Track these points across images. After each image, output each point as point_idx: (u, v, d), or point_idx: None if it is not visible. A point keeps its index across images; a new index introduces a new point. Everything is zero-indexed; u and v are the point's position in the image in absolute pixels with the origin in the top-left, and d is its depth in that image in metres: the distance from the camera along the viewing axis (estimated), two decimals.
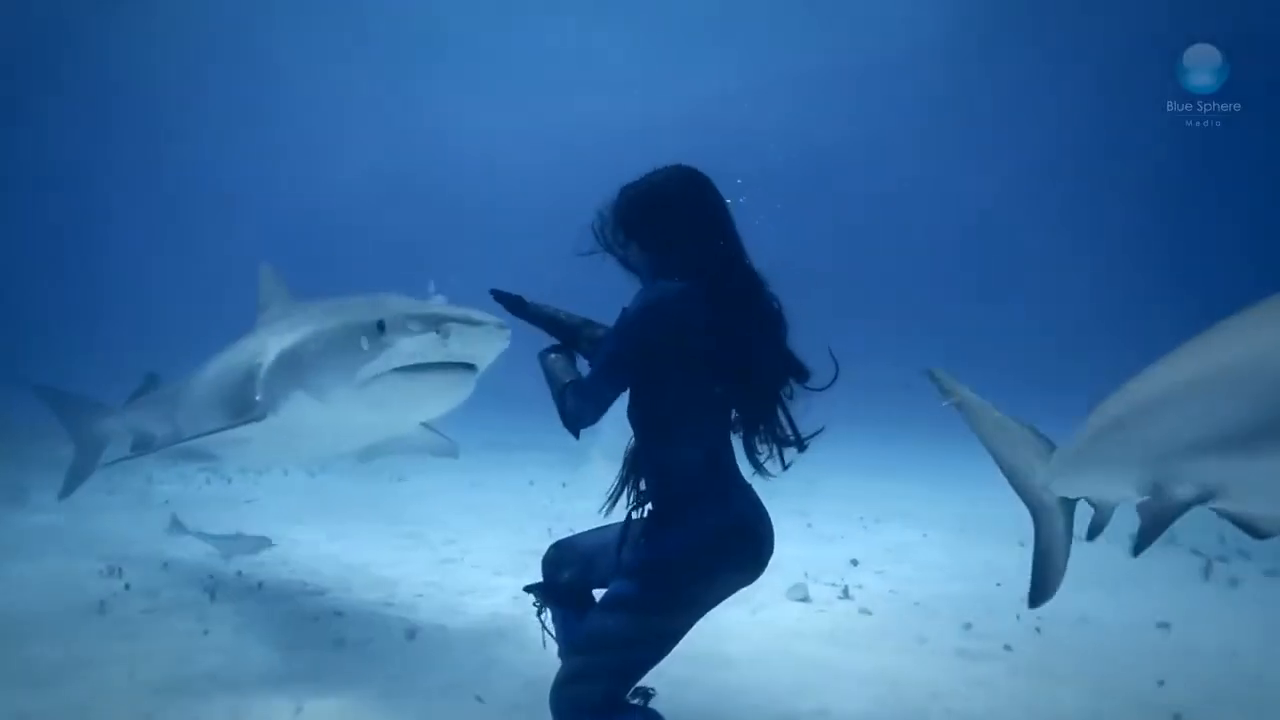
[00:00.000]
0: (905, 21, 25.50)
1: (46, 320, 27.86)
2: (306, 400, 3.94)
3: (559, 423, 2.28)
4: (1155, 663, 4.06)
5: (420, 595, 5.12)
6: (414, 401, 3.84)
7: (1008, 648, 4.27)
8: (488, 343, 3.60)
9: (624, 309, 2.23)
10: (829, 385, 2.31)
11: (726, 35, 27.41)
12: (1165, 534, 8.10)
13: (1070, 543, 3.51)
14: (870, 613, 4.89)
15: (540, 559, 2.74)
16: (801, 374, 2.32)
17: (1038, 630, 4.55)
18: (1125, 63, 20.44)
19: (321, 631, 4.34)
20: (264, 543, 5.98)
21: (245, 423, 4.18)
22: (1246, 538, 2.75)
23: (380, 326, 3.58)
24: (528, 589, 2.74)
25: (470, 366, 3.69)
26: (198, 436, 4.51)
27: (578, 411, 2.23)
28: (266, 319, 5.05)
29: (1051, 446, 3.50)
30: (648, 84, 28.80)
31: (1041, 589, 3.53)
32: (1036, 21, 22.85)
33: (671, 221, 2.28)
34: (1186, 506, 2.56)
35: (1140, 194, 26.81)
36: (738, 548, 2.24)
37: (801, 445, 2.34)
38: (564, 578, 2.65)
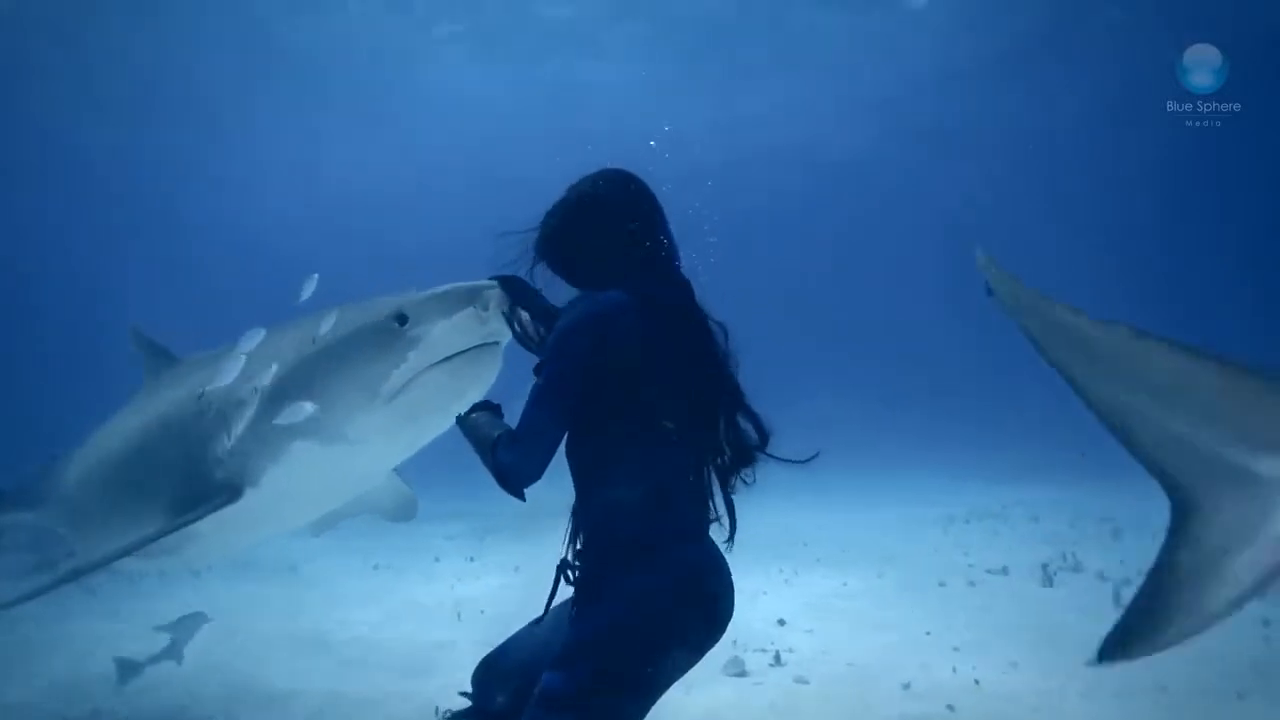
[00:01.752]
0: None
1: None
2: (311, 450, 3.26)
3: (490, 483, 1.95)
4: (1094, 708, 4.05)
5: (319, 712, 4.60)
6: (453, 396, 3.15)
7: (951, 707, 4.16)
8: None
9: (552, 329, 1.98)
10: (810, 459, 2.07)
11: (711, 54, 26.24)
12: (1071, 561, 8.14)
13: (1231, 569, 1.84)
14: (807, 681, 4.71)
15: (450, 649, 2.39)
16: (761, 437, 2.04)
17: (976, 683, 4.49)
18: (1125, 62, 20.73)
19: None
20: (200, 619, 5.45)
21: (216, 508, 3.37)
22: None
23: (400, 320, 3.05)
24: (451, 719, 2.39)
25: (496, 343, 3.18)
26: (146, 542, 3.46)
27: (516, 464, 1.90)
28: (169, 379, 4.37)
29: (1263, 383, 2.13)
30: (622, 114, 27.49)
31: (1128, 634, 1.51)
32: (1035, 20, 22.52)
33: (601, 228, 2.05)
34: None
35: (1140, 194, 27.18)
36: (685, 611, 1.93)
37: (732, 525, 2.07)
38: (498, 702, 2.30)
